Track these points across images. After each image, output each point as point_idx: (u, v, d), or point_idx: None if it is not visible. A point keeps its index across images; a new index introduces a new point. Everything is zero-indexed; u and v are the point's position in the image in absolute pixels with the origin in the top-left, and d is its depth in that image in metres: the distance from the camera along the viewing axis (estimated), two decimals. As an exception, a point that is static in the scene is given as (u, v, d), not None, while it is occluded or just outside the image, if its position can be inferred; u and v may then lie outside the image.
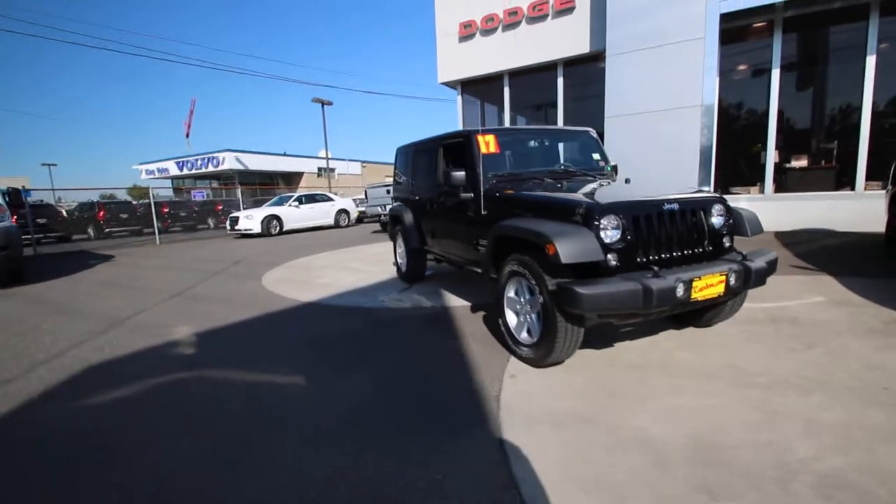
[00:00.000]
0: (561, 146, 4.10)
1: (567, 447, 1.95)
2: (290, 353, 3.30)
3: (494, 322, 3.65)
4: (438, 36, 10.04)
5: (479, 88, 10.32)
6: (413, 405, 2.42)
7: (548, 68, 9.26)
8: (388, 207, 9.47)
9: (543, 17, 8.77)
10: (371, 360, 3.10)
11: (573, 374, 2.67)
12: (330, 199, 15.30)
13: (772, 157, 7.69)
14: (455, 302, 4.42)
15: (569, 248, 2.39)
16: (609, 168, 3.99)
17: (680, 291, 2.37)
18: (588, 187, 3.31)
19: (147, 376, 2.97)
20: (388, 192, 10.85)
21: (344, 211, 15.34)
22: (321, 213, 14.65)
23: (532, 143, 4.03)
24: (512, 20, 9.05)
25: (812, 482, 1.63)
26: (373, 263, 6.92)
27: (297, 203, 14.15)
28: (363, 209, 15.20)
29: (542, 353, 2.66)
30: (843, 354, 2.71)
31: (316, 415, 2.37)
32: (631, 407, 2.25)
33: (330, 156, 26.90)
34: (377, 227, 13.56)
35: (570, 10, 8.47)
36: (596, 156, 4.05)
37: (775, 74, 7.39)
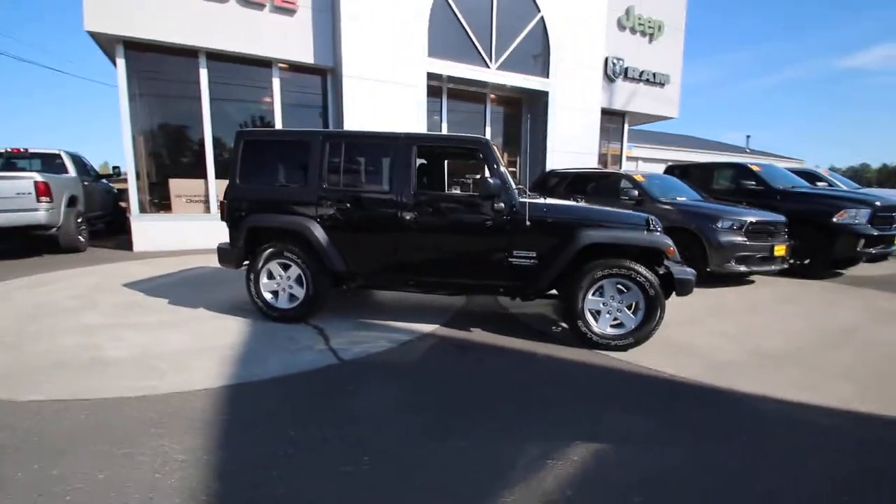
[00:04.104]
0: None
1: (781, 374, 2.94)
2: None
3: (523, 331, 3.81)
4: (81, -43, 6.44)
5: (159, 60, 7.44)
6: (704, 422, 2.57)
7: (261, 64, 8.10)
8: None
9: (260, 6, 7.63)
10: (550, 414, 2.63)
11: (646, 347, 3.48)
12: None
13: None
14: (422, 327, 3.85)
15: (676, 250, 3.30)
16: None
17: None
18: (569, 201, 4.10)
19: None
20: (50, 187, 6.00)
21: None
22: None
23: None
24: (219, -10, 7.29)
25: (795, 353, 3.47)
26: (142, 311, 4.06)
27: None
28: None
29: (644, 335, 3.34)
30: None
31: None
32: (710, 345, 3.43)
33: None
34: None
35: (291, 11, 7.88)
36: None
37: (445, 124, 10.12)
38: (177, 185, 7.82)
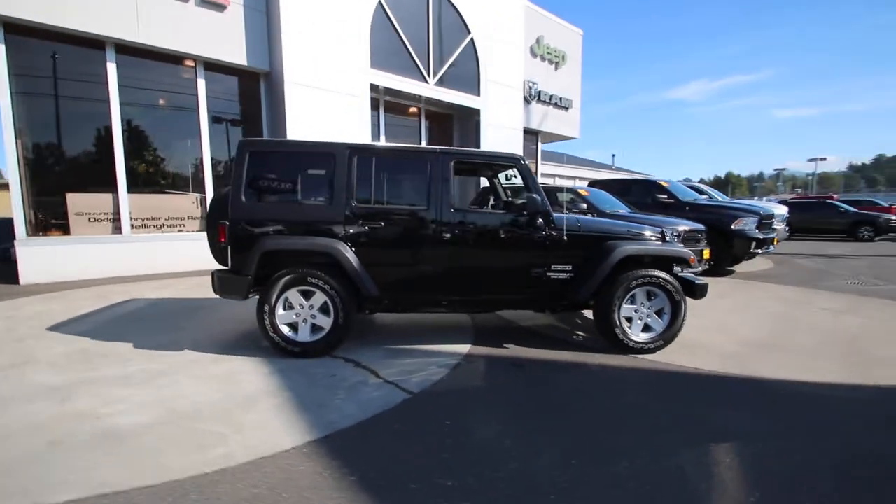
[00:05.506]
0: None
1: (783, 364, 3.43)
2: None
3: (550, 342, 3.98)
4: None
5: (53, 49, 5.94)
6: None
7: (184, 62, 7.02)
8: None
9: (184, -3, 6.67)
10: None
11: (672, 348, 3.82)
12: None
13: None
14: (457, 348, 3.72)
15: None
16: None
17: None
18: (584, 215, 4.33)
19: None
20: None
21: None
22: None
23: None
24: (134, -26, 6.16)
25: (771, 341, 4.12)
26: (110, 361, 3.20)
27: None
28: None
29: (671, 336, 3.67)
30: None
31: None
32: (709, 340, 3.89)
33: None
34: None
35: (221, 7, 7.00)
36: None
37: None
38: (76, 201, 6.34)
